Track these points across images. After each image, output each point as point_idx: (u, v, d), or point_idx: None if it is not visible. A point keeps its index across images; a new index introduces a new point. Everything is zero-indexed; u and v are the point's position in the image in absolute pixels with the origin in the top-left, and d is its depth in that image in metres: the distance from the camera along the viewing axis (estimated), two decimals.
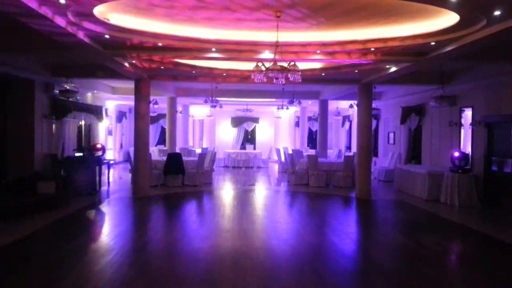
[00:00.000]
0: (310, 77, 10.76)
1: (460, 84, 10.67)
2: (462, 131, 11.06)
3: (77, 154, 11.62)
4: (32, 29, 5.72)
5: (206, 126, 23.40)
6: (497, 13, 5.01)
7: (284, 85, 9.42)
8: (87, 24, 6.01)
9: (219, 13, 5.73)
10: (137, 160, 10.97)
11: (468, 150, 10.72)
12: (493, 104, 9.66)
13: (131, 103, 14.98)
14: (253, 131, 23.37)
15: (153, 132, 20.87)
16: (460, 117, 11.03)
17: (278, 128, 23.11)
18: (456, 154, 10.32)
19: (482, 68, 9.63)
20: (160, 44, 7.37)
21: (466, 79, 10.39)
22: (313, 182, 12.99)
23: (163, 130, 21.00)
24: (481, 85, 10.05)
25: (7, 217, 7.55)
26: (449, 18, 5.65)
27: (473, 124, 10.37)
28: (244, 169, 18.88)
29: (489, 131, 9.87)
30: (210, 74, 10.68)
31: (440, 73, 9.46)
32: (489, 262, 5.83)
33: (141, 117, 11.01)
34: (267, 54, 7.54)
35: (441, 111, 11.60)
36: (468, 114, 10.84)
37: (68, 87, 9.40)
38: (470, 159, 10.42)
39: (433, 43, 6.82)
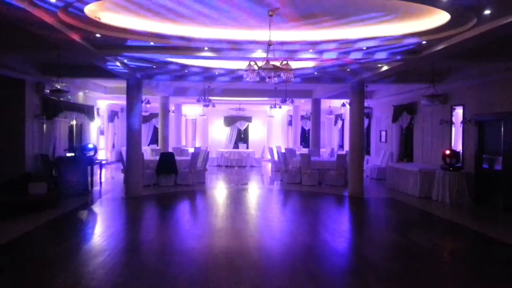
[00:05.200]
0: (302, 76, 10.78)
1: (451, 82, 10.75)
2: (453, 129, 11.15)
3: (68, 154, 11.52)
4: (22, 29, 5.66)
5: (198, 125, 23.34)
6: (487, 12, 5.06)
7: (277, 84, 9.44)
8: (78, 23, 5.96)
9: (212, 12, 5.71)
10: (130, 159, 10.91)
11: (459, 148, 10.81)
12: (484, 102, 9.75)
13: (123, 102, 14.90)
14: (246, 130, 23.35)
15: (145, 132, 20.75)
16: (451, 115, 11.11)
17: (271, 127, 23.12)
18: (448, 152, 10.41)
19: (473, 67, 9.70)
20: (152, 43, 7.33)
21: (457, 78, 10.47)
22: (306, 181, 13.02)
23: (155, 129, 20.91)
24: (472, 83, 10.14)
25: None
26: (440, 17, 5.69)
27: (464, 122, 10.47)
28: (237, 168, 18.87)
29: (479, 129, 9.96)
30: (202, 73, 10.67)
31: (431, 71, 9.52)
32: (480, 259, 5.88)
33: (133, 117, 10.95)
34: (259, 53, 7.54)
35: (432, 110, 11.69)
36: (459, 112, 10.93)
37: (59, 87, 9.28)
38: (461, 157, 10.51)
39: (424, 42, 6.87)
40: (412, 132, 13.38)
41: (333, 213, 9.48)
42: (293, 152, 15.14)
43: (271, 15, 5.63)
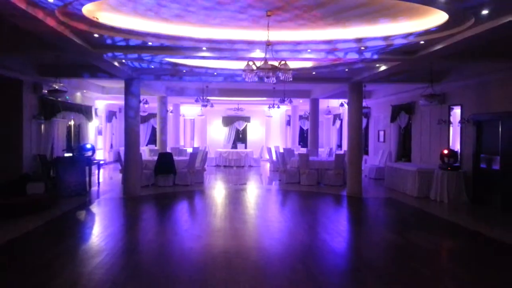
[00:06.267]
0: (301, 76, 10.78)
1: (449, 82, 10.78)
2: (451, 129, 11.18)
3: (66, 155, 11.50)
4: (20, 28, 5.65)
5: (197, 126, 23.33)
6: (485, 12, 5.07)
7: (275, 84, 9.43)
8: (75, 23, 5.95)
9: (210, 11, 5.71)
10: (128, 160, 10.90)
11: (457, 147, 10.83)
12: (482, 102, 9.77)
13: (121, 102, 14.85)
14: (245, 130, 23.36)
15: (143, 132, 20.73)
16: (449, 115, 11.14)
17: (269, 127, 23.13)
18: (446, 151, 10.43)
19: (471, 67, 9.73)
20: (150, 43, 7.32)
21: (455, 78, 10.50)
22: (304, 181, 13.03)
23: (153, 129, 20.89)
24: (470, 83, 10.17)
25: None
26: (438, 17, 5.70)
27: (462, 122, 10.49)
28: (235, 168, 18.86)
29: (477, 128, 9.99)
30: (201, 73, 10.67)
31: (429, 71, 9.54)
32: (478, 259, 5.90)
33: (131, 117, 10.94)
34: (258, 53, 7.53)
35: (430, 109, 11.71)
36: (457, 112, 10.95)
37: (57, 87, 9.26)
38: (459, 157, 10.53)
39: (422, 42, 6.88)
40: (410, 132, 13.40)
41: (332, 213, 9.48)
42: (291, 152, 15.15)
43: (269, 15, 5.63)
